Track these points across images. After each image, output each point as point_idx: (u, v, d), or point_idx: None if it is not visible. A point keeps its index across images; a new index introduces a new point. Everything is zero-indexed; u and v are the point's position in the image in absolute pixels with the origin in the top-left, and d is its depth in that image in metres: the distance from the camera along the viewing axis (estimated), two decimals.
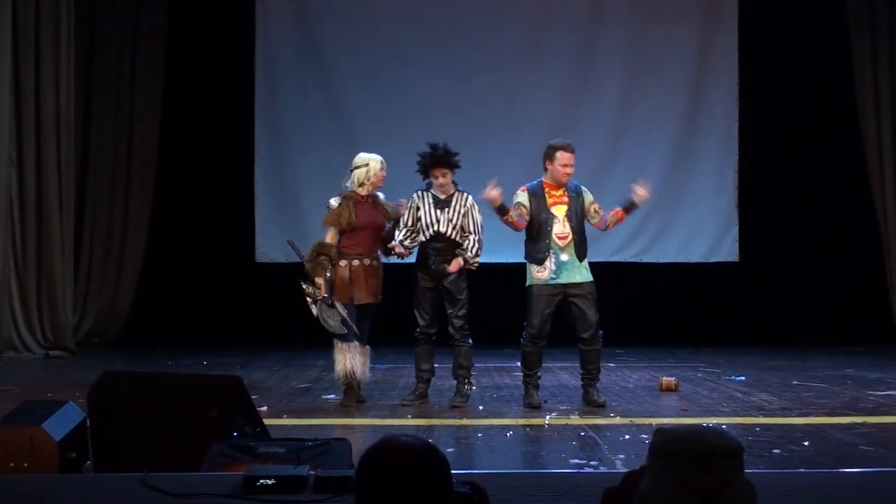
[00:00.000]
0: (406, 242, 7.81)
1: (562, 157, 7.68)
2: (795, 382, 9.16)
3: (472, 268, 7.83)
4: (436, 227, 7.77)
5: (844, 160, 13.35)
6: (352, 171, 7.95)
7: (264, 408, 7.22)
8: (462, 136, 12.71)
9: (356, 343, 7.75)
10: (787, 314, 13.06)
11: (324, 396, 8.21)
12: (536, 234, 7.68)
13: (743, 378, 9.45)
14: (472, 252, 7.76)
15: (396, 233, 7.87)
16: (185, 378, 6.13)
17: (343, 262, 7.73)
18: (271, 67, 13.01)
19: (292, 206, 12.55)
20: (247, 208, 12.71)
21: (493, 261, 11.23)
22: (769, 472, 4.75)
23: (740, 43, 13.27)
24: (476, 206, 7.86)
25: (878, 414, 7.26)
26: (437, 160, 7.84)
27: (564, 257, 7.62)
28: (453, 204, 7.83)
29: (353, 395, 7.83)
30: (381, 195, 8.00)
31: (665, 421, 6.90)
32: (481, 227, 7.85)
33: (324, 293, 7.64)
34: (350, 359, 7.72)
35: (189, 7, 12.95)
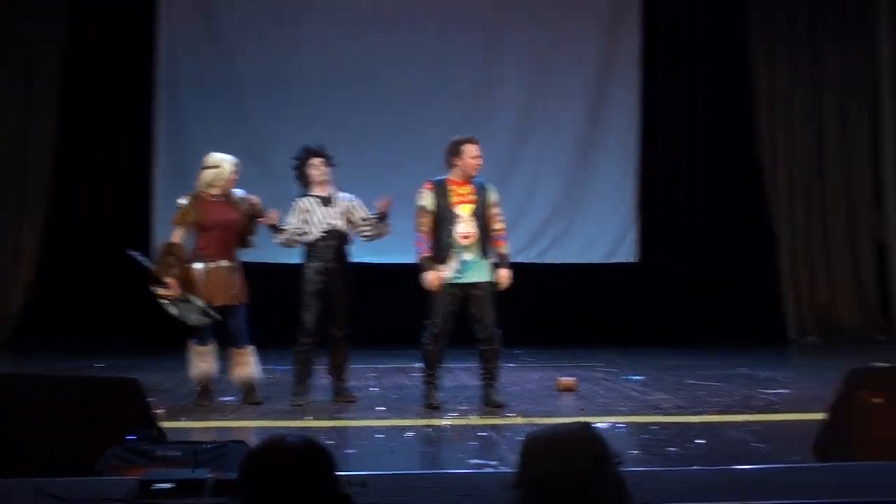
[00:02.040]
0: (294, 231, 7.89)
1: (470, 149, 7.69)
2: (690, 381, 9.29)
3: (387, 230, 8.01)
4: (328, 222, 7.81)
5: (742, 164, 13.62)
6: (202, 170, 7.88)
7: (161, 410, 7.12)
8: (365, 137, 12.76)
9: (212, 346, 7.78)
10: (683, 314, 13.26)
11: (221, 399, 8.13)
12: (440, 233, 7.66)
13: (640, 377, 9.57)
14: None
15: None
16: (79, 380, 6.01)
17: (197, 265, 7.68)
18: (174, 65, 12.77)
19: None
20: (144, 207, 12.51)
21: (394, 261, 11.28)
22: (665, 470, 4.81)
23: (642, 45, 13.43)
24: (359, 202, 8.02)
25: (769, 412, 7.41)
26: (312, 151, 7.91)
27: (468, 256, 7.63)
28: (337, 201, 7.91)
29: (208, 395, 7.88)
30: (238, 192, 7.95)
31: (564, 420, 6.94)
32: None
33: (177, 291, 7.56)
34: (206, 361, 7.75)
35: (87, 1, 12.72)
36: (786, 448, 5.89)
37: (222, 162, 7.86)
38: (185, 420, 7.09)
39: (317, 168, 7.97)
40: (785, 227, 13.67)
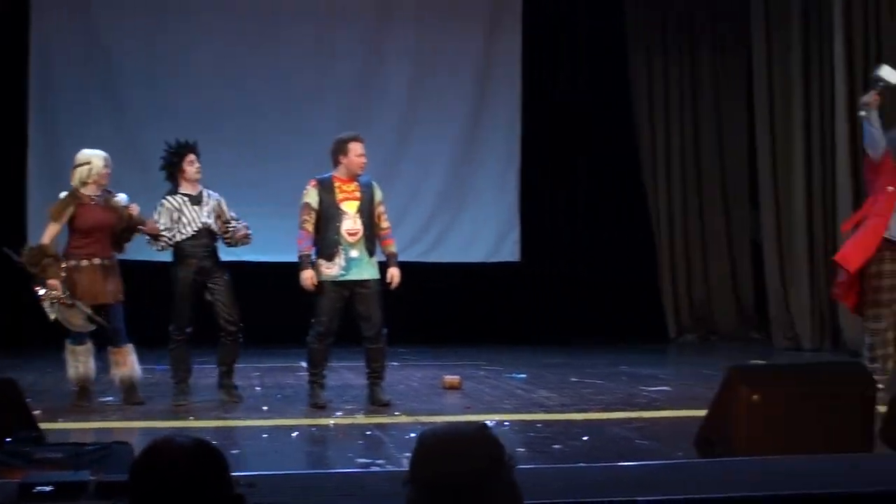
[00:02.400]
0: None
1: (355, 147, 7.68)
2: (574, 379, 9.40)
3: (247, 239, 7.95)
4: (201, 221, 7.72)
5: (622, 164, 13.84)
6: (74, 168, 7.75)
7: (38, 411, 6.95)
8: (248, 137, 12.64)
9: (89, 345, 7.66)
10: (566, 313, 13.41)
11: (101, 399, 7.96)
12: (325, 230, 7.62)
13: (524, 376, 9.65)
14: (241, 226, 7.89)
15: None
16: None
17: (73, 263, 7.54)
18: (45, 60, 12.48)
19: None
20: (19, 208, 12.18)
21: (277, 259, 11.19)
22: (550, 468, 4.86)
23: (524, 46, 13.55)
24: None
25: (651, 409, 7.52)
26: (188, 147, 7.83)
27: (354, 253, 7.60)
28: (206, 199, 7.85)
29: (87, 396, 7.72)
30: (120, 196, 7.80)
31: (449, 419, 6.97)
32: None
33: (60, 294, 7.42)
34: (83, 362, 7.62)
35: None
36: (668, 444, 5.99)
37: (92, 157, 7.72)
38: (63, 421, 6.94)
39: (192, 164, 7.86)
40: (664, 228, 13.94)
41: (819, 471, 4.07)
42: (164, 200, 7.84)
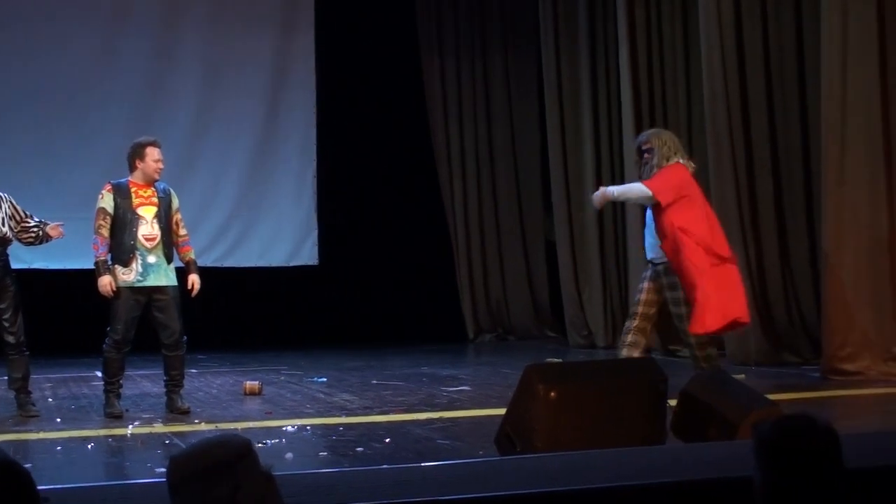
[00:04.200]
0: None
1: (152, 152, 7.54)
2: (375, 382, 9.45)
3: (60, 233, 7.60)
4: None
5: (418, 167, 13.99)
6: None
7: None
8: (35, 139, 12.23)
9: None
10: (365, 315, 13.47)
11: None
12: (121, 235, 7.43)
13: (325, 379, 9.63)
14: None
15: None
16: None
17: None
18: None
19: None
20: None
21: (68, 266, 10.88)
22: (354, 470, 4.87)
23: (317, 50, 13.55)
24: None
25: (452, 409, 7.61)
26: None
27: (152, 259, 7.44)
28: None
29: None
30: None
31: (251, 425, 6.91)
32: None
33: None
34: None
35: None
36: (470, 444, 6.07)
37: None
38: None
39: None
40: (460, 229, 14.14)
41: (615, 463, 4.20)
42: None
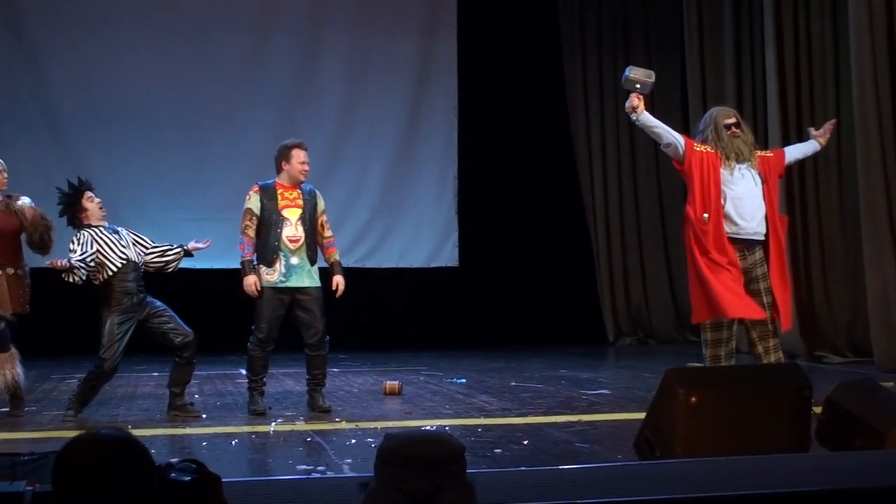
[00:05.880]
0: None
1: (298, 154, 7.66)
2: (514, 384, 9.44)
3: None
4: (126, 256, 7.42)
5: (559, 169, 13.93)
6: None
7: None
8: (184, 141, 12.57)
9: (13, 352, 7.43)
10: (505, 317, 13.47)
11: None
12: (266, 236, 7.57)
13: (464, 380, 9.66)
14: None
15: (70, 255, 7.15)
16: None
17: None
18: None
19: None
20: None
21: (216, 266, 11.13)
22: (492, 472, 4.86)
23: (459, 52, 13.61)
24: None
25: (590, 412, 7.56)
26: (85, 185, 7.47)
27: (295, 260, 7.57)
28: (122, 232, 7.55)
29: (20, 404, 7.50)
30: (24, 200, 7.63)
31: (390, 424, 6.97)
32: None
33: None
34: (10, 368, 7.38)
35: None
36: (608, 447, 6.02)
37: None
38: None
39: (92, 201, 7.40)
40: (601, 231, 14.04)
41: (756, 471, 4.11)
42: (81, 234, 7.34)
